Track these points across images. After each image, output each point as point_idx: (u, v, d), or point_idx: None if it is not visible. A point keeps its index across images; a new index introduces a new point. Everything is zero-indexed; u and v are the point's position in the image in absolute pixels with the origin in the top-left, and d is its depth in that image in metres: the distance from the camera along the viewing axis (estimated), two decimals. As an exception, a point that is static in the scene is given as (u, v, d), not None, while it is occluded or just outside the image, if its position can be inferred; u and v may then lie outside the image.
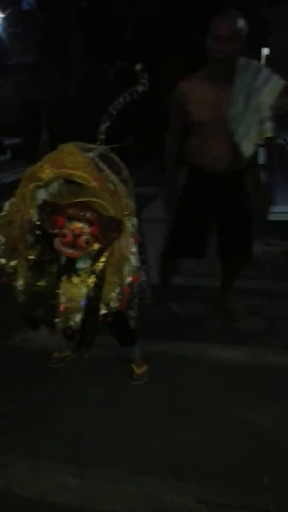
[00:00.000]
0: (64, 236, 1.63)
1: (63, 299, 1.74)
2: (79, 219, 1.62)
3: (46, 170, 1.59)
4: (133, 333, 2.10)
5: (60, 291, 1.75)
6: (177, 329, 2.59)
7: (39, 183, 1.62)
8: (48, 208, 1.64)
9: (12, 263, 1.80)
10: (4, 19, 11.19)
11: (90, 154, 1.79)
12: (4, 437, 1.85)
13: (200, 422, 1.87)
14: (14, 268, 1.81)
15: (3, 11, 11.01)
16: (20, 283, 1.79)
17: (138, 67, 2.17)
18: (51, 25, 9.45)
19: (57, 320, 1.80)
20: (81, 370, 2.24)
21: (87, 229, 1.62)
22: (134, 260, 1.67)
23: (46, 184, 1.65)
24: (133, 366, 2.15)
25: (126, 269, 1.67)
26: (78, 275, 1.73)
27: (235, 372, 2.19)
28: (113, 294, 1.72)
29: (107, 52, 8.58)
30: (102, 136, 2.21)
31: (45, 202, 1.66)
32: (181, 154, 2.50)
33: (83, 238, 1.62)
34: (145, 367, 2.17)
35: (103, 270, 1.69)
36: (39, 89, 8.59)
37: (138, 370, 2.14)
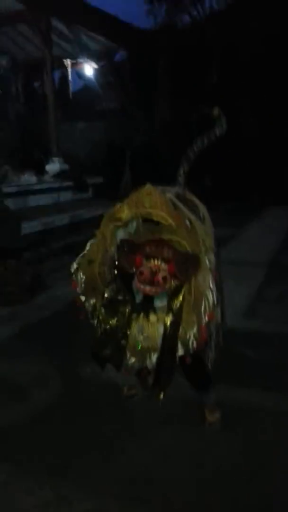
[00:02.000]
0: (141, 273, 1.64)
1: (140, 337, 1.73)
2: (156, 257, 1.63)
3: (125, 210, 1.66)
4: (209, 376, 2.02)
5: (136, 329, 1.75)
6: (252, 376, 2.46)
7: (119, 223, 1.69)
8: (126, 247, 1.67)
9: (92, 301, 1.86)
10: (98, 70, 12.19)
11: (167, 194, 1.83)
12: (69, 471, 1.83)
13: (280, 481, 1.72)
14: (94, 306, 1.86)
15: (97, 63, 12.02)
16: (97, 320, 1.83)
17: (216, 112, 2.22)
18: (140, 75, 10.11)
19: (133, 359, 1.79)
20: (150, 410, 2.18)
21: (164, 266, 1.62)
22: (211, 296, 1.64)
23: (126, 224, 1.70)
24: (206, 412, 2.05)
25: (204, 306, 1.64)
26: (156, 313, 1.73)
27: None
28: (191, 333, 1.69)
29: (191, 97, 8.92)
30: (181, 178, 2.26)
31: (123, 241, 1.70)
32: None
33: (161, 275, 1.62)
34: (217, 414, 2.05)
35: (180, 308, 1.67)
36: (124, 133, 9.11)
37: (210, 418, 2.03)
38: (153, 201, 1.60)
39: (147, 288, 1.65)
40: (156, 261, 1.63)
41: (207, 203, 2.00)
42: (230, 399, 2.25)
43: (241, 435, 2.00)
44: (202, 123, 2.47)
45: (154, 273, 1.63)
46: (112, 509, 1.63)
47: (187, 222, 1.71)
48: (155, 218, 1.63)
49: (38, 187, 6.83)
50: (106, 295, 1.75)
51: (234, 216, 7.93)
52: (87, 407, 2.27)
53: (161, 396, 1.75)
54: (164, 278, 1.63)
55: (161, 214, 1.60)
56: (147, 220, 1.70)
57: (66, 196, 7.29)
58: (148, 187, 1.63)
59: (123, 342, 1.75)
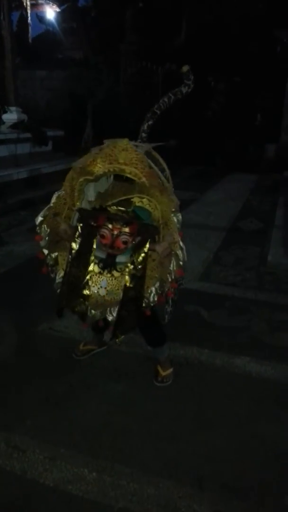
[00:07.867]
0: (103, 236, 1.62)
1: (103, 291, 1.74)
2: (118, 220, 1.61)
3: (98, 164, 1.59)
4: (163, 333, 2.09)
5: (99, 284, 1.75)
6: (205, 336, 2.56)
7: (90, 177, 1.63)
8: (89, 217, 1.63)
9: (53, 255, 1.83)
10: (60, 13, 11.42)
11: (139, 151, 1.80)
12: (23, 422, 1.86)
13: (223, 433, 1.84)
14: (55, 260, 1.83)
15: (59, 6, 11.24)
16: (60, 275, 1.82)
17: (185, 68, 2.16)
18: (105, 23, 9.58)
19: (93, 311, 1.80)
20: (105, 366, 2.24)
21: (125, 228, 1.61)
22: (181, 254, 1.67)
23: (97, 178, 1.65)
24: (159, 367, 2.13)
25: (174, 263, 1.67)
26: (120, 268, 1.73)
27: (263, 387, 2.14)
28: (153, 289, 1.72)
29: (158, 54, 8.63)
30: (144, 135, 2.21)
31: (81, 210, 1.66)
32: None
33: (122, 239, 1.61)
34: (170, 370, 2.14)
35: (143, 262, 1.67)
36: (87, 84, 8.71)
37: (163, 372, 2.12)
38: (128, 157, 1.56)
39: (109, 251, 1.65)
40: (117, 224, 1.61)
41: (170, 166, 1.98)
42: (182, 356, 2.34)
43: (191, 390, 2.09)
44: (167, 81, 2.41)
45: (115, 237, 1.61)
46: (64, 457, 1.69)
47: (160, 181, 1.69)
48: (127, 175, 1.59)
49: (-7, 137, 6.48)
50: (75, 247, 1.71)
51: (197, 180, 7.97)
52: (43, 363, 2.29)
53: (121, 338, 1.75)
54: (125, 242, 1.62)
55: (134, 171, 1.56)
56: (119, 177, 1.66)
57: (24, 148, 6.98)
58: (125, 142, 1.58)
59: (84, 292, 1.75)
